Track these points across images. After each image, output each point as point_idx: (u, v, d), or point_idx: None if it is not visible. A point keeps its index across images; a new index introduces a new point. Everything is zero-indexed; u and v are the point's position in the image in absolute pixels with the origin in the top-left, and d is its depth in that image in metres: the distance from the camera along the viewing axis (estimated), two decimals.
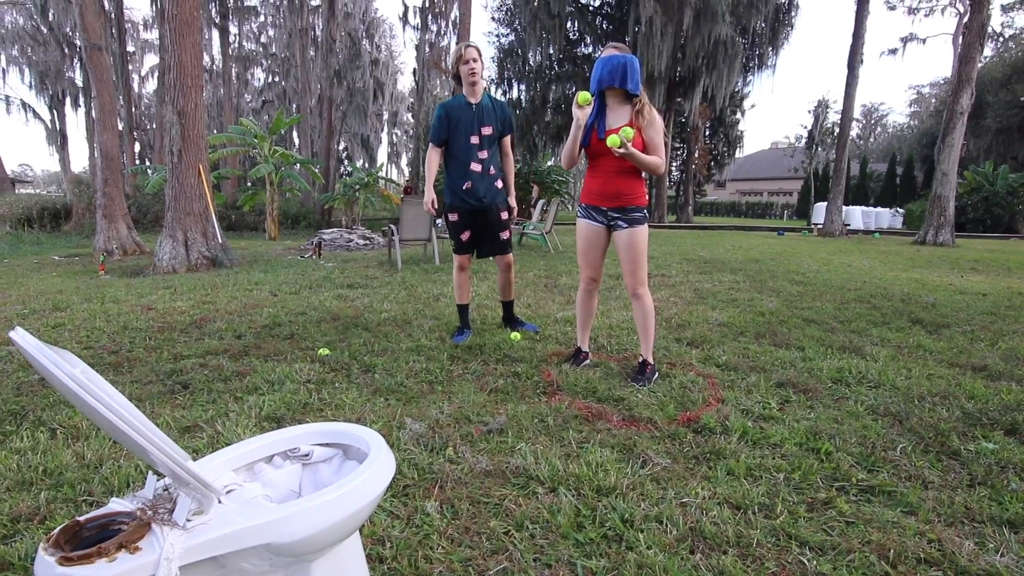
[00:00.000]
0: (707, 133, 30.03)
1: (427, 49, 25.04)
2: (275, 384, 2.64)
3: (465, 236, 3.47)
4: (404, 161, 43.05)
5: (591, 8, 18.90)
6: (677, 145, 30.52)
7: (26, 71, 26.97)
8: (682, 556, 1.39)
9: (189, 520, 0.90)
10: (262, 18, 29.85)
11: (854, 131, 54.29)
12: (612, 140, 2.50)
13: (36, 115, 28.21)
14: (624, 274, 2.83)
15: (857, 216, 23.06)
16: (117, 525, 0.89)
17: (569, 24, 19.10)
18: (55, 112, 27.60)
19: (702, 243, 11.75)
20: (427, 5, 23.84)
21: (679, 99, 20.88)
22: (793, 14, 17.95)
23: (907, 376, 2.83)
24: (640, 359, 2.85)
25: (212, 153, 15.62)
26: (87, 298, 4.85)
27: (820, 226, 17.10)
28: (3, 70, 27.78)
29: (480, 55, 3.33)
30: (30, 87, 27.10)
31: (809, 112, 33.59)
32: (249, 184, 21.26)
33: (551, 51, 19.07)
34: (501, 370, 2.89)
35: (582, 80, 19.39)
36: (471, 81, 3.27)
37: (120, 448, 1.97)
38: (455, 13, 18.77)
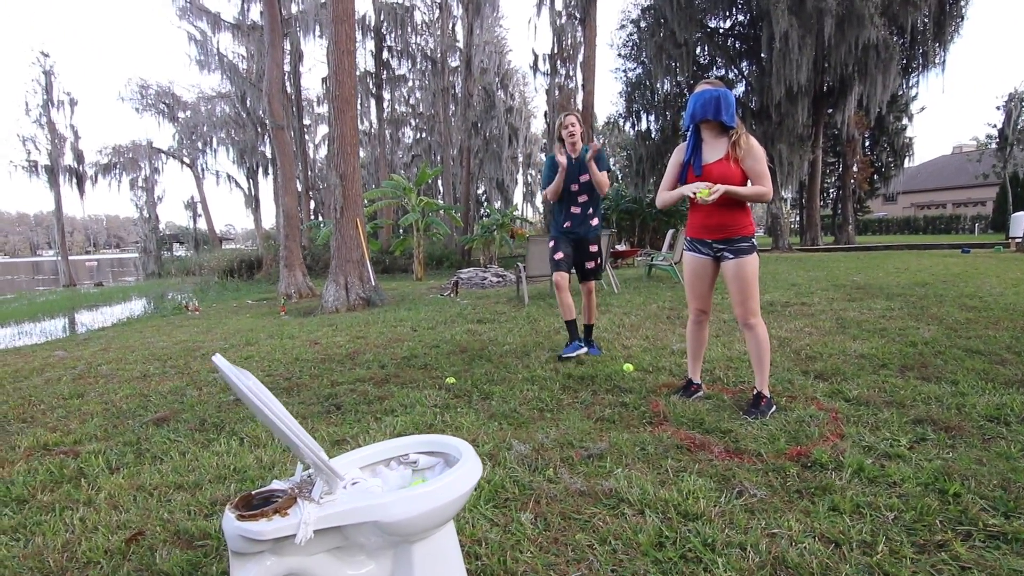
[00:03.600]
0: (866, 144, 27.08)
1: (557, 92, 26.09)
2: (408, 407, 3.02)
3: (559, 256, 3.97)
4: (539, 199, 44.58)
5: (720, 31, 18.41)
6: (831, 160, 27.90)
7: (230, 149, 33.00)
8: None
9: (322, 498, 1.20)
10: (410, 83, 33.38)
11: None
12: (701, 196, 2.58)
13: (237, 184, 34.25)
14: (734, 305, 2.81)
15: None
16: (275, 497, 1.21)
17: (698, 49, 18.77)
18: (251, 180, 33.28)
19: (860, 266, 10.60)
20: (555, 51, 24.96)
21: (829, 111, 19.26)
22: (963, 3, 15.76)
23: None
24: (755, 391, 2.79)
25: (369, 206, 17.74)
26: (270, 335, 5.85)
27: (1019, 240, 14.45)
28: (214, 150, 34.39)
29: (578, 120, 3.93)
30: (233, 162, 33.10)
31: (999, 108, 28.75)
32: (401, 231, 23.59)
33: (679, 79, 18.84)
34: (609, 400, 3.00)
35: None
36: (571, 142, 3.89)
37: (288, 455, 2.44)
38: (582, 56, 19.50)
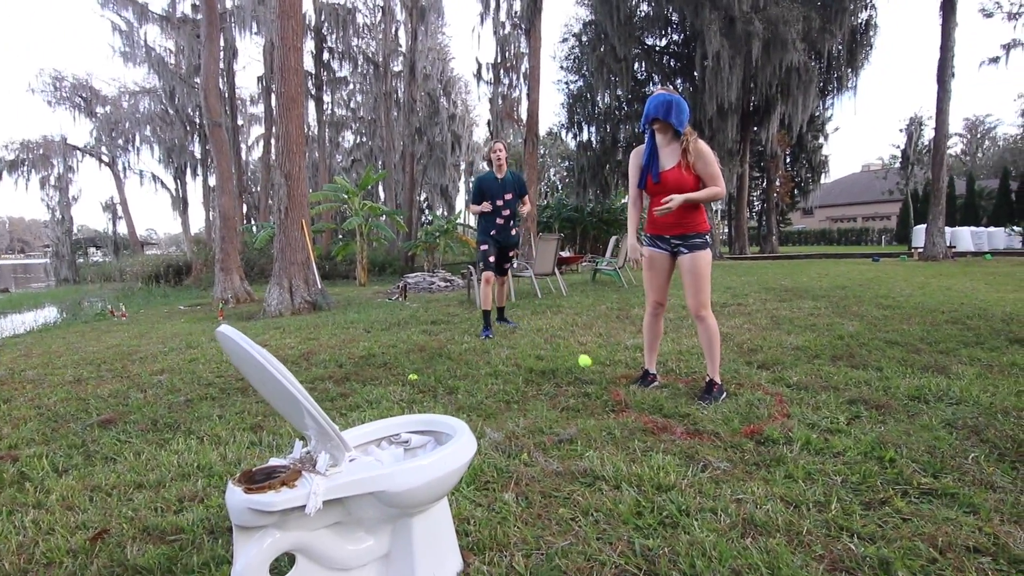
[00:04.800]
0: (787, 160, 29.03)
1: (500, 101, 26.36)
2: (373, 403, 3.00)
3: (492, 258, 5.00)
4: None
5: (657, 48, 19.32)
6: (756, 174, 29.68)
7: (155, 148, 31.14)
8: (733, 539, 1.53)
9: (328, 471, 1.22)
10: (351, 86, 32.74)
11: (958, 147, 50.11)
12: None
13: (163, 185, 32.34)
14: (687, 297, 2.99)
15: (966, 237, 21.24)
16: (278, 472, 1.22)
17: (636, 65, 19.56)
18: (178, 181, 31.51)
19: (785, 272, 11.35)
20: (499, 61, 25.24)
21: (755, 128, 20.54)
22: (872, 34, 17.34)
23: (993, 393, 2.74)
24: (707, 379, 2.96)
25: (311, 210, 17.20)
26: (212, 338, 5.59)
27: (920, 250, 15.93)
28: (138, 148, 32.31)
29: (505, 147, 5.00)
30: (159, 161, 31.24)
31: (901, 131, 31.63)
32: (341, 236, 23.01)
33: (619, 92, 19.56)
34: (572, 391, 3.10)
35: None
36: (498, 165, 4.93)
37: (253, 450, 2.38)
38: (525, 66, 19.84)
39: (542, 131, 37.52)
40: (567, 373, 3.44)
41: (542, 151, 40.08)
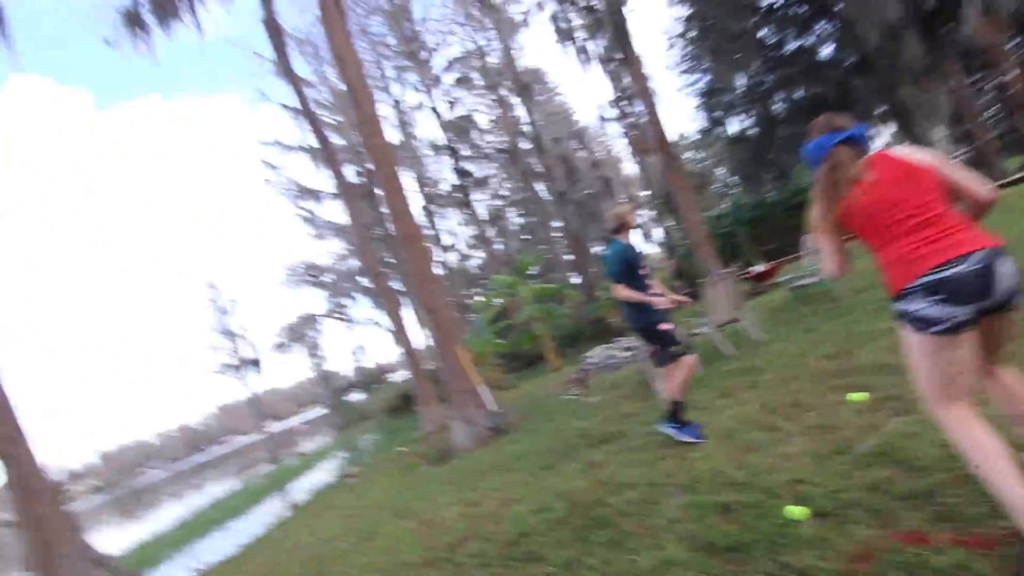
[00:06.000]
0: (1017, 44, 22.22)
1: (632, 131, 25.39)
2: None
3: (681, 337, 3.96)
4: (662, 232, 42.31)
5: (776, 5, 16.62)
6: (974, 77, 23.15)
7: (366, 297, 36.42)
8: None
9: None
10: (494, 177, 34.68)
11: None
12: None
13: (377, 323, 37.35)
14: None
15: None
16: None
17: (761, 33, 17.05)
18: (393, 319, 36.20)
19: None
20: (617, 96, 24.55)
21: (946, 28, 16.07)
22: None
23: None
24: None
25: (487, 311, 17.73)
26: (396, 513, 5.35)
27: None
28: (353, 298, 38.16)
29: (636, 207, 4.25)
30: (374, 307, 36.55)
31: None
32: (522, 323, 23.42)
33: (754, 67, 17.11)
34: None
35: (803, 76, 16.57)
36: (633, 229, 4.12)
37: None
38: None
39: (690, 138, 35.20)
40: (768, 548, 2.23)
41: (704, 155, 37.70)
